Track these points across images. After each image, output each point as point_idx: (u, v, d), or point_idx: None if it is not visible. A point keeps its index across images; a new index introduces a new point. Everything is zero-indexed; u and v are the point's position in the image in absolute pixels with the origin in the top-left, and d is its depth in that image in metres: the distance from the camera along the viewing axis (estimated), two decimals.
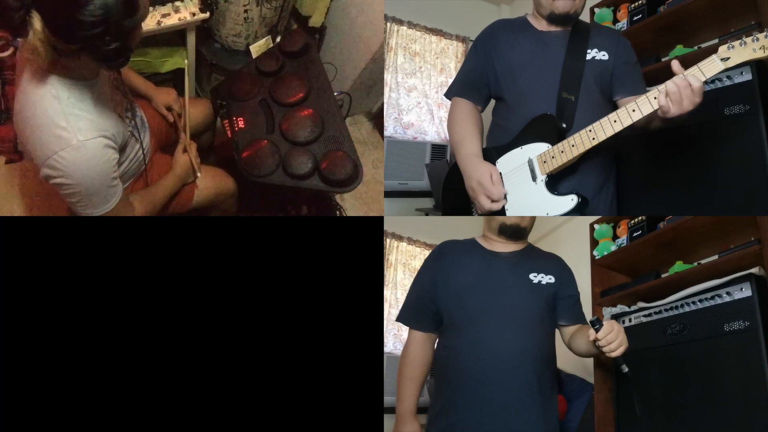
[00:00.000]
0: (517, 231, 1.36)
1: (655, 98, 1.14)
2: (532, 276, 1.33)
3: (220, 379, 1.12)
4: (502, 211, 1.34)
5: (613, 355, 1.13)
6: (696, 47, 1.67)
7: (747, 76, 1.41)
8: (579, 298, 1.39)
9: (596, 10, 2.00)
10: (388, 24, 3.16)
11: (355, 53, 2.35)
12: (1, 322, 1.10)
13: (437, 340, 1.40)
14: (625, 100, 1.36)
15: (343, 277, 1.16)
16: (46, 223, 1.16)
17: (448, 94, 1.54)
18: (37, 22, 0.98)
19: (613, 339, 1.12)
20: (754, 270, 1.32)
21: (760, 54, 1.05)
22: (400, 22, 3.23)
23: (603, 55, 1.36)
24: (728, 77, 1.45)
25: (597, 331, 1.13)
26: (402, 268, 3.21)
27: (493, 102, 1.53)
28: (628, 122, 1.18)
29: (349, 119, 2.65)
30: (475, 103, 1.49)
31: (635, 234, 1.72)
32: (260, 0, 1.94)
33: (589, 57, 1.35)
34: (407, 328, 1.45)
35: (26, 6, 0.95)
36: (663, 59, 1.74)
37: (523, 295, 1.31)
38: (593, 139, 1.22)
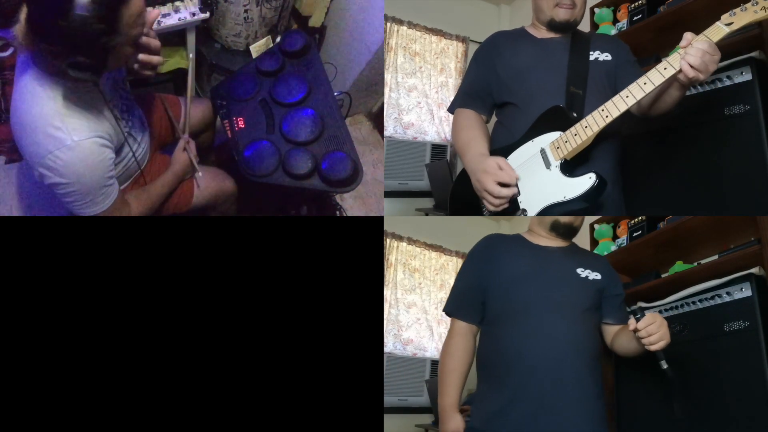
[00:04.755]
0: (569, 229, 1.35)
1: (665, 68, 1.14)
2: (579, 270, 1.31)
3: (220, 379, 1.12)
4: (514, 204, 1.30)
5: (653, 348, 1.11)
6: None
7: (747, 76, 1.41)
8: (624, 299, 1.36)
9: (596, 10, 2.00)
10: (388, 24, 3.16)
11: (355, 53, 2.35)
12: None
13: (480, 332, 1.36)
14: None
15: (343, 277, 1.16)
16: (45, 223, 1.16)
17: (452, 108, 1.51)
18: (23, 14, 1.01)
19: (654, 331, 1.10)
20: (754, 270, 1.33)
21: (761, 15, 1.08)
22: (400, 22, 3.23)
23: (606, 56, 1.37)
24: (728, 77, 1.46)
25: (638, 320, 1.11)
26: (402, 268, 3.20)
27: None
28: (640, 95, 1.16)
29: (349, 119, 2.65)
30: (479, 113, 1.47)
31: (635, 234, 1.73)
32: (260, 0, 1.94)
33: (592, 58, 1.36)
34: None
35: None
36: (663, 59, 1.74)
37: (572, 287, 1.29)
38: (606, 116, 1.19)
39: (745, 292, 1.32)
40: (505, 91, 1.41)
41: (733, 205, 1.42)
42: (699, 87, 1.53)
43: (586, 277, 1.31)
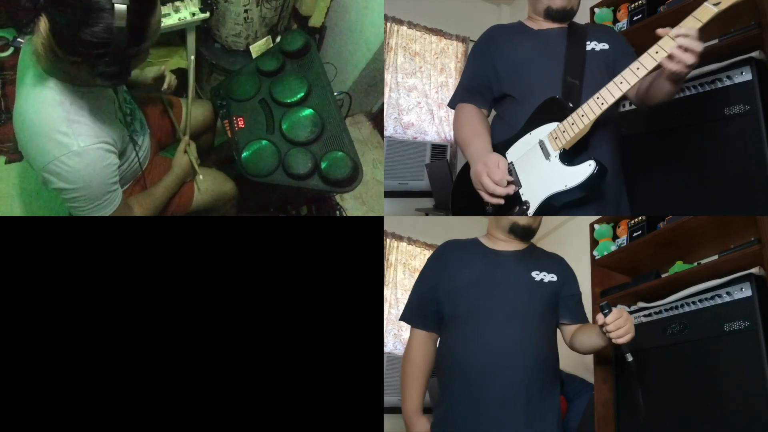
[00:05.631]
0: (527, 231, 1.37)
1: (657, 52, 1.13)
2: (534, 274, 1.33)
3: (220, 379, 1.12)
4: (516, 197, 1.29)
5: (620, 341, 1.14)
6: None
7: (747, 76, 1.41)
8: (581, 298, 1.39)
9: (596, 10, 2.00)
10: (388, 24, 3.16)
11: (355, 53, 2.35)
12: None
13: (438, 339, 1.41)
14: None
15: (343, 277, 1.16)
16: (45, 223, 1.16)
17: (452, 103, 1.51)
18: (43, 25, 0.98)
19: (621, 324, 1.13)
20: (754, 270, 1.33)
21: None
22: (400, 22, 3.23)
23: (603, 46, 1.36)
24: (728, 77, 1.46)
25: (606, 316, 1.14)
26: (402, 268, 3.21)
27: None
28: (634, 80, 1.15)
29: (349, 119, 2.65)
30: (480, 107, 1.46)
31: (635, 234, 1.72)
32: (260, 0, 1.94)
33: (589, 48, 1.36)
34: (408, 327, 1.46)
35: (38, 8, 0.96)
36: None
37: (524, 293, 1.31)
38: (602, 104, 1.18)
39: (745, 292, 1.32)
40: (504, 84, 1.41)
41: (733, 205, 1.42)
42: (699, 87, 1.53)
43: (541, 280, 1.33)
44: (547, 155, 1.26)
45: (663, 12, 1.69)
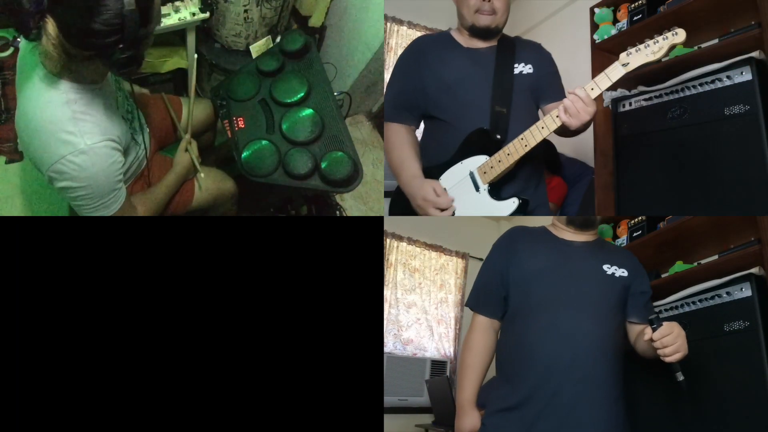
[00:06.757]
0: (587, 221, 1.36)
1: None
2: (605, 267, 1.29)
3: (220, 379, 1.12)
4: None
5: (668, 359, 1.09)
6: (696, 47, 1.67)
7: (747, 76, 1.41)
8: (651, 296, 1.34)
9: (596, 10, 1.99)
10: (388, 24, 3.16)
11: (355, 53, 2.35)
12: (0, 324, 1.10)
13: (500, 327, 1.35)
14: (548, 106, 1.45)
15: (343, 277, 1.16)
16: (45, 223, 1.16)
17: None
18: (51, 26, 0.98)
19: (669, 342, 1.08)
20: (754, 270, 1.33)
21: (651, 58, 1.19)
22: (400, 22, 3.23)
23: (528, 69, 1.43)
24: (728, 77, 1.46)
25: (654, 330, 1.09)
26: (402, 268, 3.20)
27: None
28: (553, 127, 1.28)
29: (349, 119, 2.65)
30: (409, 124, 1.51)
31: (635, 234, 1.72)
32: (260, 0, 1.94)
33: (516, 71, 1.42)
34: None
35: (42, 11, 0.95)
36: (663, 59, 1.74)
37: (597, 284, 1.26)
38: (525, 146, 1.32)
39: (745, 292, 1.32)
40: (434, 106, 1.46)
41: (733, 205, 1.42)
42: (699, 87, 1.53)
43: (613, 273, 1.28)
44: (477, 187, 1.39)
45: (663, 12, 1.69)
